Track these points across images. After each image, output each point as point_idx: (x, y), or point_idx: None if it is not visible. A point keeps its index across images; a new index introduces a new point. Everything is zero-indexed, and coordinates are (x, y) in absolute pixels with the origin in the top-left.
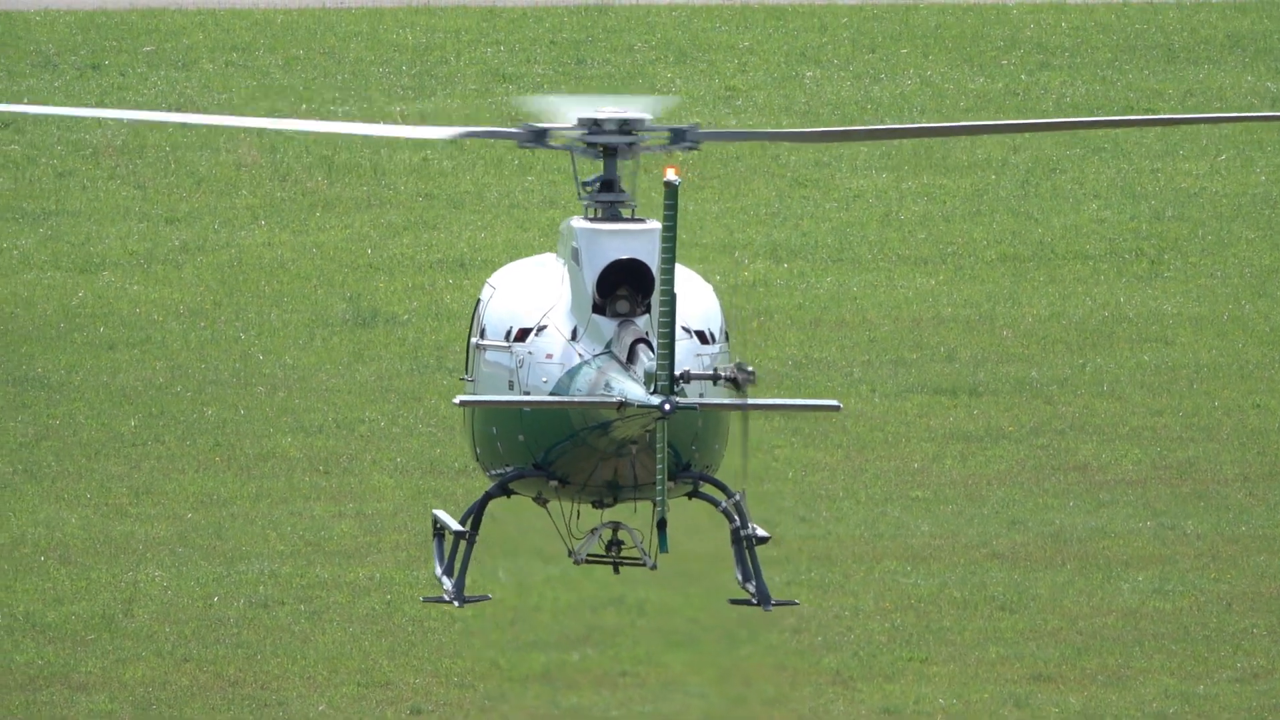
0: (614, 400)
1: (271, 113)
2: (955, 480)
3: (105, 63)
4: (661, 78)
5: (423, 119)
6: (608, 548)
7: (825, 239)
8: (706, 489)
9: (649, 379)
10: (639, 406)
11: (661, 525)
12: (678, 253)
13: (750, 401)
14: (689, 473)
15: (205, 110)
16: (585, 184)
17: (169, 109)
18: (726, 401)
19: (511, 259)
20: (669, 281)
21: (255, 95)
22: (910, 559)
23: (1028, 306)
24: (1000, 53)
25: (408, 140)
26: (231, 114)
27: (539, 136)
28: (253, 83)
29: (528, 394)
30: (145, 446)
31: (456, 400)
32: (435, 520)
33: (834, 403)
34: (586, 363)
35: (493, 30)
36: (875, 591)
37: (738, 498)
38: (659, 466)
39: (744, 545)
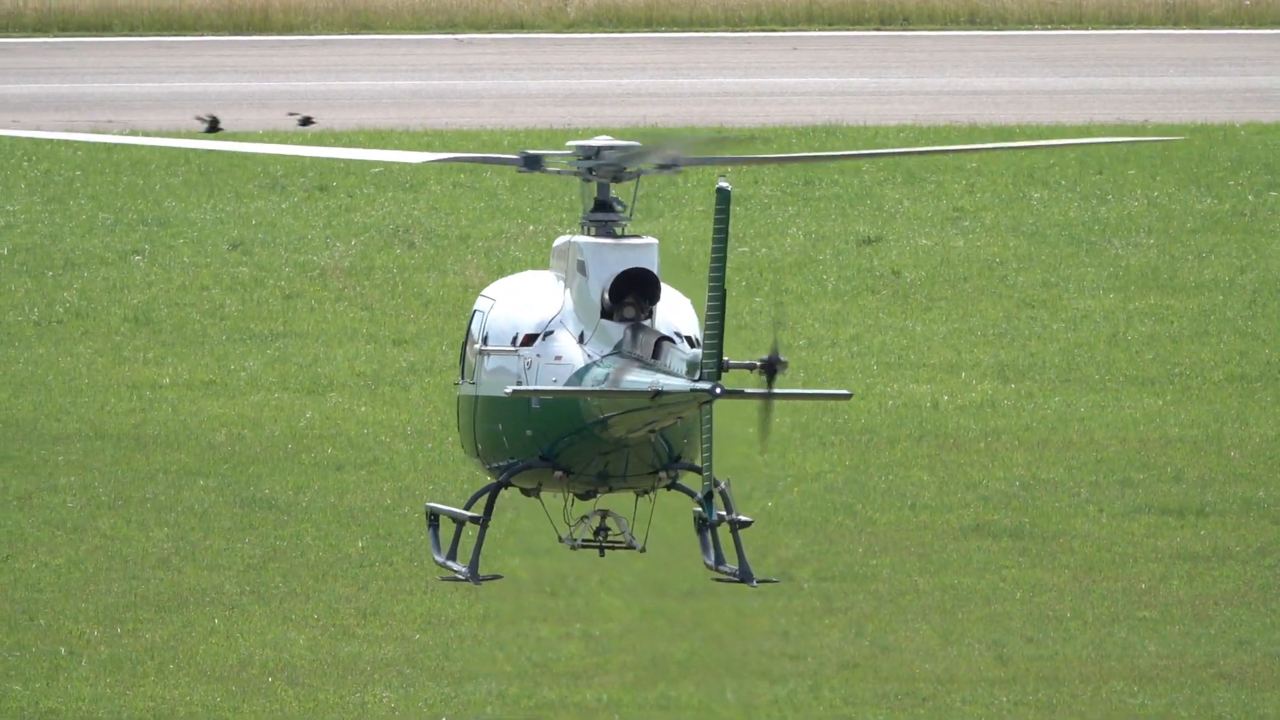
0: (648, 390)
1: (498, 235)
2: (1182, 600)
3: (333, 184)
4: (889, 199)
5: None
6: (595, 533)
7: (1052, 359)
8: (685, 479)
9: (691, 368)
10: (691, 392)
11: (709, 497)
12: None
13: (775, 391)
14: (679, 463)
15: (433, 231)
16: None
17: (395, 230)
18: (756, 391)
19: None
20: (719, 277)
21: (482, 216)
22: (1137, 679)
23: (1255, 426)
24: (1227, 173)
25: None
26: (233, 140)
27: (534, 162)
28: (480, 204)
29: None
30: (373, 567)
31: (507, 390)
32: (430, 511)
33: (845, 392)
34: (596, 363)
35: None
36: (1102, 712)
37: (723, 486)
38: (706, 447)
39: (732, 529)
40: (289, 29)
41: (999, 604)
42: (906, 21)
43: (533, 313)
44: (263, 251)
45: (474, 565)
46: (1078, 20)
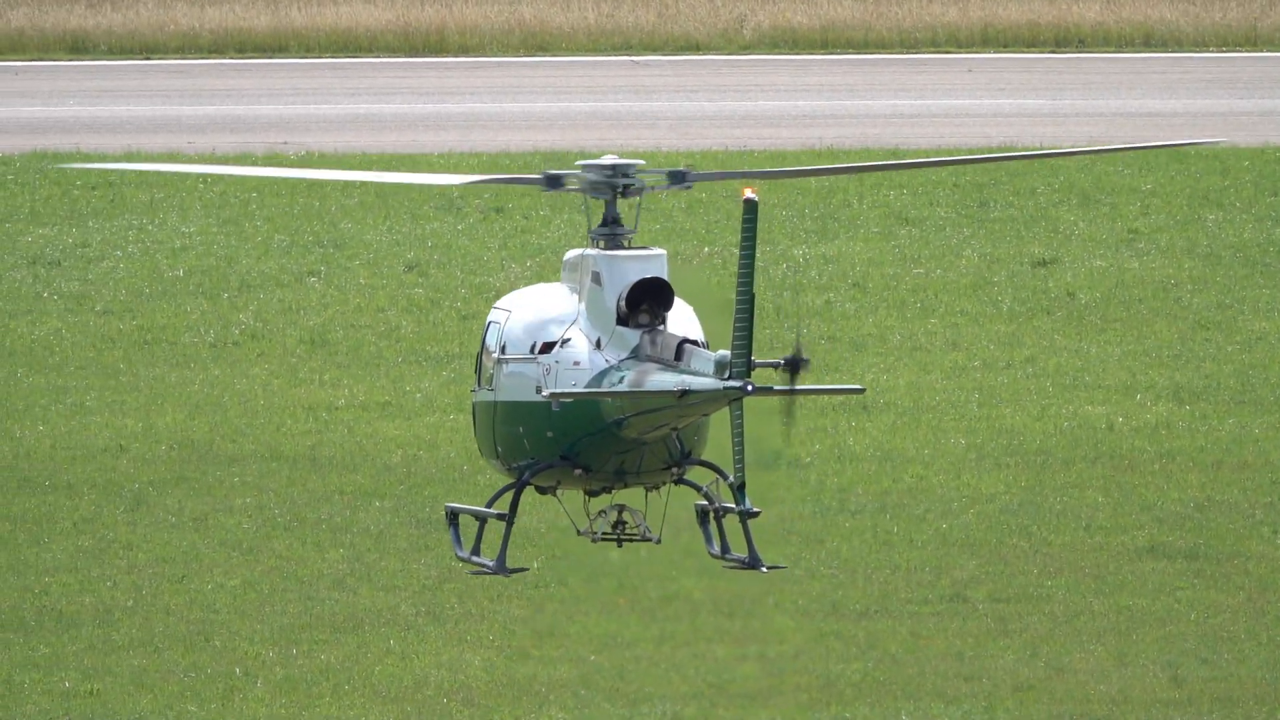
0: (675, 390)
1: (673, 256)
2: None
3: (509, 205)
4: (1064, 220)
5: (825, 261)
6: (613, 527)
7: (1227, 381)
8: (692, 474)
9: (720, 367)
10: (723, 389)
11: (741, 488)
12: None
13: (795, 388)
14: (690, 459)
15: None
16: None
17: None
18: (778, 388)
19: (915, 404)
20: (748, 281)
21: (658, 238)
22: None
23: None
24: None
25: (810, 282)
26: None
27: (555, 182)
28: (656, 226)
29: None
30: (548, 588)
31: (544, 394)
32: (450, 511)
33: (859, 387)
34: (615, 367)
35: (895, 173)
36: None
37: (730, 479)
38: (737, 440)
39: (742, 520)
40: (465, 51)
41: (1174, 625)
42: (1081, 44)
43: (549, 322)
44: (438, 273)
45: (502, 558)
46: (1252, 43)
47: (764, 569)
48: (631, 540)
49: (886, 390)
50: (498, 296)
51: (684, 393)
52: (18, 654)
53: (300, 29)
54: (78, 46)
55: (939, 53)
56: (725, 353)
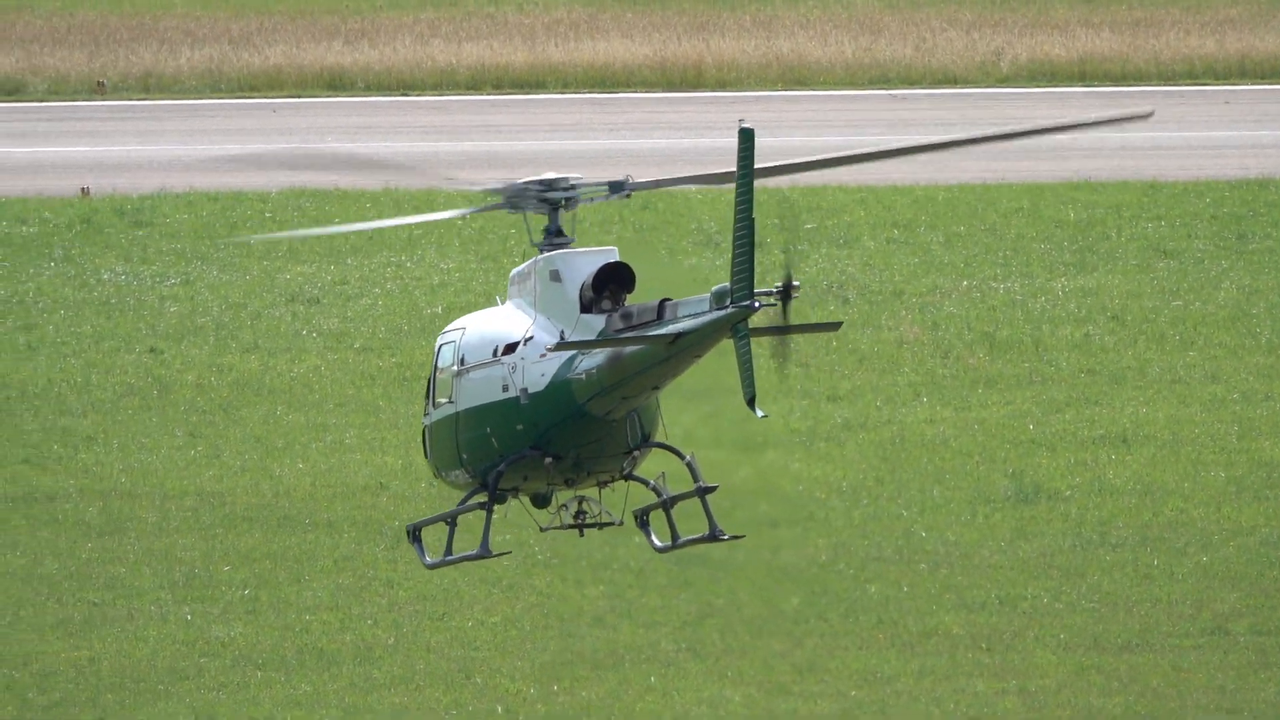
0: (670, 334)
1: (932, 290)
2: None
3: (766, 240)
4: None
5: (1083, 294)
6: (575, 516)
7: None
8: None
9: (719, 297)
10: (735, 310)
11: (752, 401)
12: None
13: (777, 326)
14: (649, 442)
15: (867, 286)
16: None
17: (829, 285)
18: (764, 328)
19: (1175, 436)
20: (747, 208)
21: (917, 272)
22: None
23: None
24: None
25: (1069, 315)
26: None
27: (516, 203)
28: (914, 259)
29: (525, 390)
30: (808, 624)
31: (547, 348)
32: (411, 529)
33: (836, 323)
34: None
35: (1154, 205)
36: None
37: (689, 458)
38: (745, 361)
39: (700, 496)
40: (722, 85)
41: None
42: None
43: (507, 328)
44: None
45: (485, 542)
46: None
47: (725, 537)
48: (593, 527)
49: (1146, 423)
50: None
51: (677, 336)
52: (279, 692)
53: (558, 64)
54: (335, 84)
55: (1197, 84)
56: (722, 285)
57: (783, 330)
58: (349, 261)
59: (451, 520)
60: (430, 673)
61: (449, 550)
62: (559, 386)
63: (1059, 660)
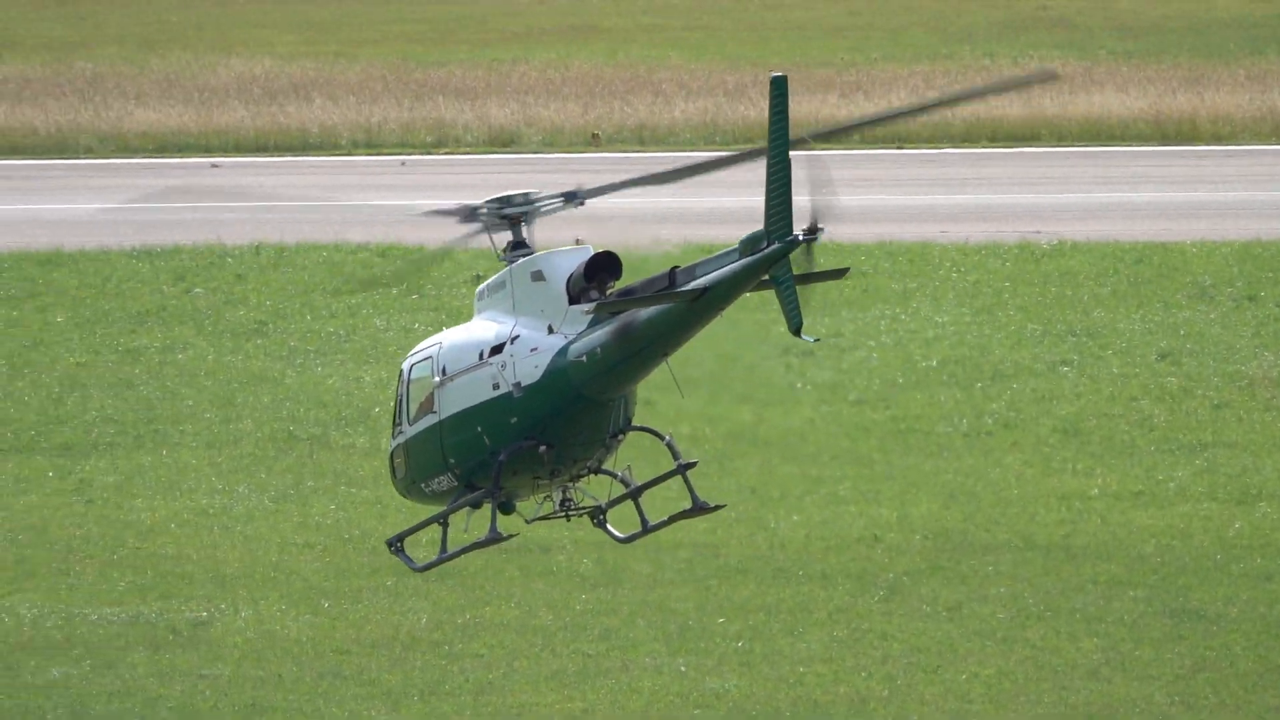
0: (696, 289)
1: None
2: None
3: (1260, 294)
4: None
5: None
6: (560, 505)
7: None
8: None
9: (754, 241)
10: (784, 245)
11: (799, 329)
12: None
13: (792, 275)
14: (629, 425)
15: None
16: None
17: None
18: (799, 274)
19: None
20: (782, 150)
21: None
22: None
23: None
24: None
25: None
26: None
27: (471, 215)
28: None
29: (518, 384)
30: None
31: (585, 308)
32: (393, 541)
33: (843, 269)
34: (580, 334)
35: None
36: None
37: (668, 439)
38: (790, 294)
39: (682, 472)
40: (1217, 139)
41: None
42: None
43: (488, 334)
44: (1191, 361)
45: (493, 528)
46: None
47: (711, 508)
48: (578, 514)
49: None
50: (1250, 385)
51: (703, 291)
52: None
53: (1052, 118)
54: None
55: None
56: (751, 233)
57: (799, 281)
58: (844, 314)
59: (444, 521)
60: None
61: (443, 548)
62: (556, 374)
63: None
